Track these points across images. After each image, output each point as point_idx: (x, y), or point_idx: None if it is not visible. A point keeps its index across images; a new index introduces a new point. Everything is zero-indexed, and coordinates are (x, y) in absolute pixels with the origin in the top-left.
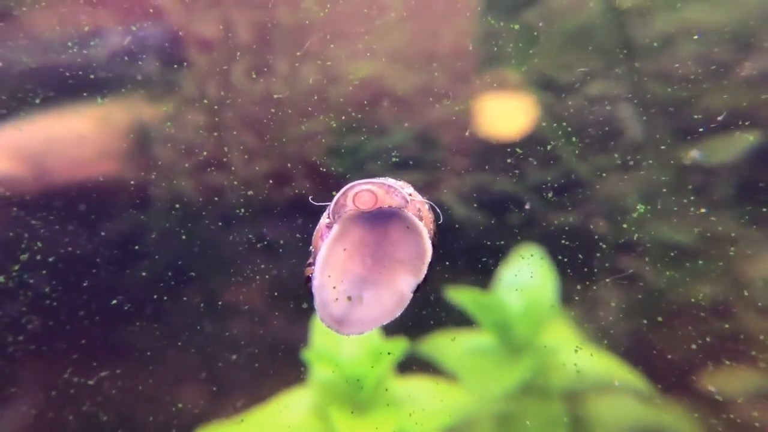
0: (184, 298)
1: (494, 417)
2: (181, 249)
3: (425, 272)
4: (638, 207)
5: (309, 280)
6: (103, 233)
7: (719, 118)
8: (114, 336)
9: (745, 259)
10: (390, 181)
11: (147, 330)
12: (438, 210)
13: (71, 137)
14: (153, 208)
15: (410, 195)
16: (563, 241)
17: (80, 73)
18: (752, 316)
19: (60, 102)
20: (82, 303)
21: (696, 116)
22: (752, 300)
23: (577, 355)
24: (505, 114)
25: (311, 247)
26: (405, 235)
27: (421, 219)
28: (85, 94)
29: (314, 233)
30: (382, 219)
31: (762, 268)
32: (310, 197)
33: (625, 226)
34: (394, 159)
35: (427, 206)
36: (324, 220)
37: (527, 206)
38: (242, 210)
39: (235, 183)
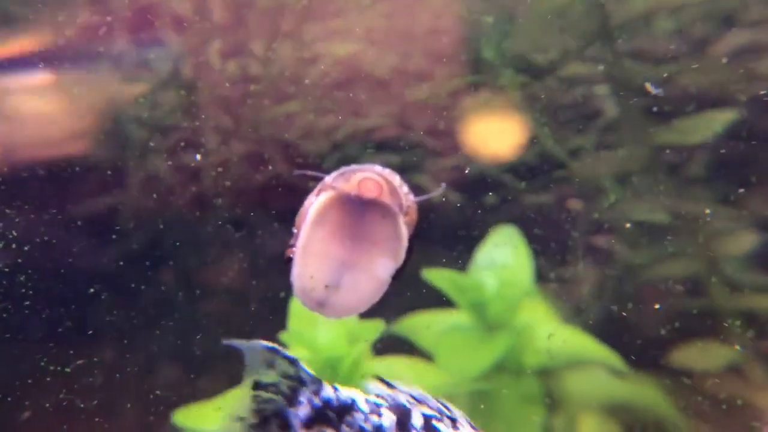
0: (161, 285)
1: (470, 395)
2: (157, 234)
3: (403, 257)
4: (612, 188)
5: (290, 260)
6: (79, 222)
7: (690, 100)
8: (91, 323)
9: (718, 238)
10: (396, 178)
11: (124, 317)
12: (426, 198)
13: (38, 115)
14: (128, 191)
15: (406, 193)
16: (538, 222)
17: (50, 51)
18: (724, 294)
19: (29, 80)
20: (59, 291)
21: (671, 97)
22: (724, 278)
23: (552, 335)
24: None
25: (294, 228)
26: (381, 220)
27: (405, 214)
28: (55, 72)
29: (298, 214)
30: (360, 204)
31: (734, 247)
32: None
33: (599, 207)
34: (371, 144)
35: (411, 196)
36: (311, 199)
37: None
38: (219, 193)
39: (216, 167)
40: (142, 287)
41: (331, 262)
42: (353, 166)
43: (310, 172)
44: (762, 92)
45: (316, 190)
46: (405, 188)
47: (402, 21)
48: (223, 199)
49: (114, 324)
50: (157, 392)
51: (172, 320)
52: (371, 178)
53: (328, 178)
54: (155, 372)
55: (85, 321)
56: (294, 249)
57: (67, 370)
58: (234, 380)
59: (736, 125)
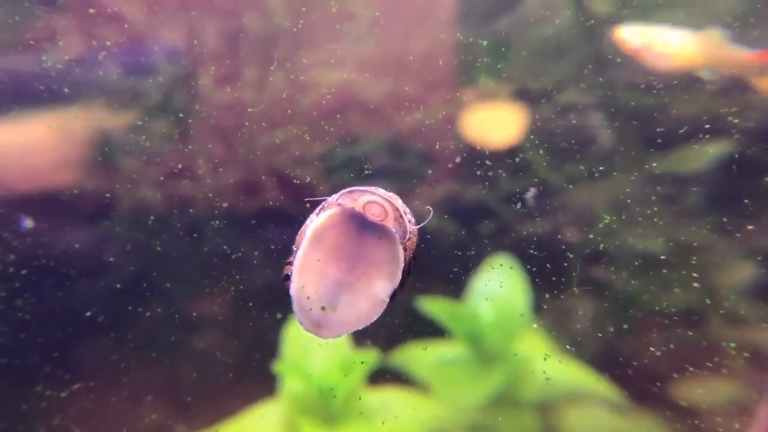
0: (159, 310)
1: (467, 428)
2: (154, 260)
3: (400, 277)
4: (607, 216)
5: (287, 278)
6: (77, 245)
7: (684, 129)
8: (87, 348)
9: (713, 268)
10: (401, 204)
11: (120, 342)
12: (421, 227)
13: (27, 146)
14: (122, 219)
15: (410, 221)
16: (533, 251)
17: (40, 80)
18: (719, 325)
19: (18, 110)
20: (55, 315)
21: (665, 126)
22: (719, 308)
23: (547, 365)
24: (481, 124)
25: (294, 246)
26: (378, 241)
27: (408, 239)
28: (44, 102)
29: (299, 232)
30: (360, 225)
31: (728, 277)
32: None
33: (594, 235)
34: (366, 170)
35: (413, 222)
36: (311, 218)
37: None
38: (215, 221)
39: (209, 195)
40: (139, 310)
41: (328, 282)
42: (360, 187)
43: (317, 199)
44: (755, 123)
45: (316, 210)
46: (409, 215)
47: (396, 48)
48: (220, 227)
49: (110, 349)
50: (153, 416)
51: (168, 346)
52: (377, 202)
53: (333, 197)
54: (150, 398)
55: (82, 346)
56: (292, 267)
57: (63, 395)
58: (229, 409)
59: (731, 155)
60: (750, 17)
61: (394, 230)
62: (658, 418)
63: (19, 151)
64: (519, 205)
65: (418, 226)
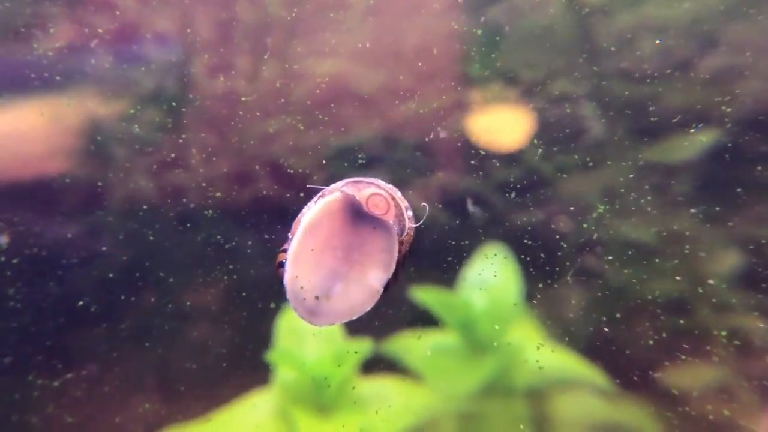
0: (151, 299)
1: (459, 416)
2: (147, 250)
3: (394, 268)
4: (599, 206)
5: (281, 265)
6: (69, 234)
7: (676, 119)
8: (79, 338)
9: (703, 257)
10: (403, 200)
11: (113, 331)
12: (420, 217)
13: (17, 134)
14: (115, 209)
15: (410, 217)
16: (526, 240)
17: (31, 68)
18: (709, 313)
19: (9, 97)
20: (48, 304)
21: (657, 116)
22: (708, 297)
23: (539, 353)
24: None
25: (289, 234)
26: (373, 231)
27: (406, 234)
28: (36, 90)
29: (295, 220)
30: (356, 215)
31: (719, 265)
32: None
33: (586, 225)
34: (360, 160)
35: (411, 214)
36: (309, 206)
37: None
38: (208, 210)
39: (202, 184)
40: (132, 299)
41: (323, 271)
42: (366, 179)
43: (317, 187)
44: (747, 112)
45: (315, 198)
46: (410, 212)
47: (390, 38)
48: (213, 217)
49: (103, 338)
50: (146, 406)
51: (161, 336)
52: (381, 195)
53: (335, 185)
54: (143, 387)
55: (75, 335)
56: (286, 254)
57: (55, 384)
58: (222, 398)
59: (723, 144)
60: (744, 5)
61: (391, 223)
62: (649, 405)
63: (10, 139)
64: (513, 195)
65: (417, 225)
